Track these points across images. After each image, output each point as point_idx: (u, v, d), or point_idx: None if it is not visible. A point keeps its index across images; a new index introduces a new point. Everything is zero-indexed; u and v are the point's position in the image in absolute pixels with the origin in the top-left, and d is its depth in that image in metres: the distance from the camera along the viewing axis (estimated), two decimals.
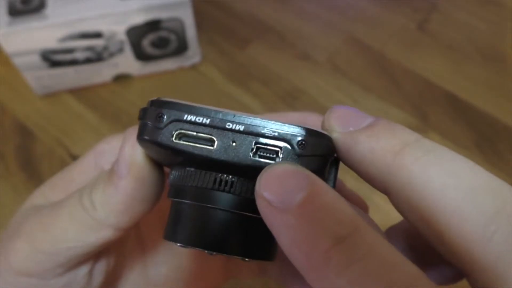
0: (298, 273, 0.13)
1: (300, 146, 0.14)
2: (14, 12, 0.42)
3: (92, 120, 0.46)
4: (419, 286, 0.11)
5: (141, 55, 0.47)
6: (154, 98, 0.16)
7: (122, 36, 0.44)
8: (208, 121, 0.15)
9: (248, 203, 0.15)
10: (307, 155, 0.15)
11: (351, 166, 0.16)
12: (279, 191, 0.13)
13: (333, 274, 0.12)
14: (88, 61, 0.46)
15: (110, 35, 0.44)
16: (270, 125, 0.15)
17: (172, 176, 0.17)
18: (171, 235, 0.17)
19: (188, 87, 0.49)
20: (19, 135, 0.46)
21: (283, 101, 0.47)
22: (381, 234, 0.17)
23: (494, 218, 0.12)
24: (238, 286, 0.35)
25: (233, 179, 0.15)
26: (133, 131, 0.17)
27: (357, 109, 0.16)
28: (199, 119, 0.15)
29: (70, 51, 0.45)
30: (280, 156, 0.14)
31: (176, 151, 0.15)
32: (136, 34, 0.45)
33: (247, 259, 0.16)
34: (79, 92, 0.48)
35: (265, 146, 0.15)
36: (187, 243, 0.16)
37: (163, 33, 0.45)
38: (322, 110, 0.48)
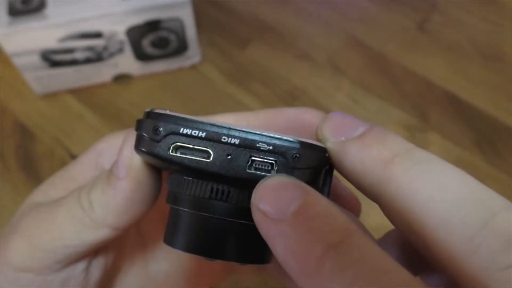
0: None
1: (294, 159, 0.15)
2: (14, 12, 0.42)
3: (92, 120, 0.46)
4: None
5: (141, 55, 0.47)
6: (149, 109, 0.16)
7: (122, 36, 0.44)
8: (203, 135, 0.15)
9: (244, 211, 0.16)
10: (302, 167, 0.15)
11: (344, 175, 0.16)
12: (274, 203, 0.13)
13: (326, 280, 0.12)
14: (88, 61, 0.46)
15: (110, 35, 0.44)
16: (265, 139, 0.15)
17: (170, 182, 0.17)
18: (170, 240, 0.17)
19: (188, 87, 0.49)
20: (19, 135, 0.46)
21: (283, 101, 0.47)
22: (373, 240, 0.17)
23: (480, 231, 0.12)
24: (238, 286, 0.35)
25: (229, 189, 0.16)
26: (133, 134, 0.17)
27: (351, 116, 0.16)
28: (195, 133, 0.15)
29: (70, 51, 0.45)
30: (275, 168, 0.15)
31: (172, 163, 0.15)
32: (136, 34, 0.45)
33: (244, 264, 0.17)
34: (79, 92, 0.48)
35: (260, 159, 0.15)
36: (185, 249, 0.17)
37: (163, 33, 0.45)
38: (322, 110, 0.48)
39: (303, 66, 0.50)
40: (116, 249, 0.22)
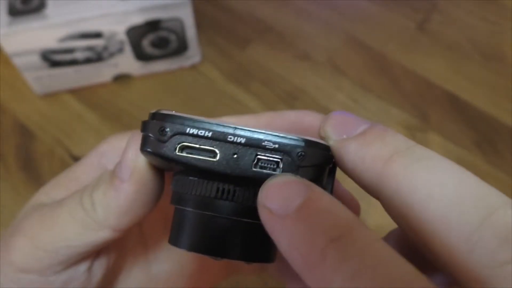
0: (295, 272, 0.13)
1: (299, 158, 0.15)
2: (14, 12, 0.42)
3: (92, 120, 0.46)
4: (416, 285, 0.12)
5: (141, 55, 0.47)
6: (154, 110, 0.16)
7: (122, 36, 0.44)
8: (210, 134, 0.15)
9: (249, 210, 0.16)
10: (306, 165, 0.15)
11: (346, 172, 0.16)
12: (280, 200, 0.14)
13: (329, 271, 0.12)
14: (88, 61, 0.46)
15: (110, 35, 0.44)
16: (271, 137, 0.15)
17: (175, 183, 0.17)
18: (175, 241, 0.17)
19: (188, 87, 0.49)
20: (19, 135, 0.46)
21: (283, 101, 0.47)
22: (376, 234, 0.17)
23: (478, 228, 0.12)
24: (238, 286, 0.35)
25: (235, 188, 0.16)
26: (137, 136, 0.17)
27: (353, 114, 0.16)
28: (201, 132, 0.15)
29: (70, 51, 0.45)
30: (280, 166, 0.15)
31: (179, 163, 0.16)
32: (136, 34, 0.45)
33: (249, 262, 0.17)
34: (79, 92, 0.48)
35: (266, 158, 0.15)
36: (191, 249, 0.17)
37: (163, 33, 0.45)
38: (322, 110, 0.48)
39: (303, 66, 0.50)
40: (118, 249, 0.22)
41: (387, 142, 0.14)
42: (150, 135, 0.16)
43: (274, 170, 0.15)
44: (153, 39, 0.46)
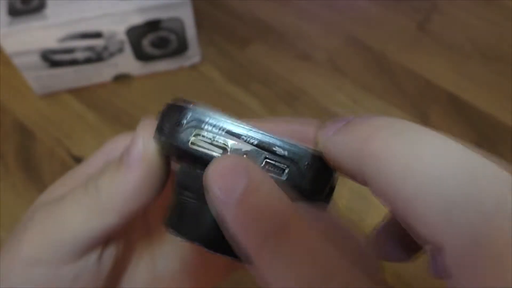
0: None
1: (305, 167, 0.16)
2: (14, 12, 0.42)
3: (92, 120, 0.46)
4: (341, 277, 0.12)
5: (141, 55, 0.47)
6: (171, 101, 0.17)
7: (122, 36, 0.44)
8: (224, 132, 0.16)
9: None
10: (311, 176, 0.16)
11: (339, 170, 0.16)
12: (222, 186, 0.14)
13: (265, 266, 0.13)
14: (88, 61, 0.46)
15: (110, 35, 0.44)
16: (283, 144, 0.16)
17: (180, 172, 0.18)
18: (171, 224, 0.18)
19: (188, 87, 0.49)
20: (19, 135, 0.46)
21: (283, 101, 0.47)
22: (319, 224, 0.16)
23: (455, 202, 0.11)
24: (238, 286, 0.35)
25: None
26: (149, 122, 0.17)
27: (344, 118, 0.16)
28: (216, 129, 0.16)
29: (70, 51, 0.45)
30: (286, 172, 0.16)
31: (190, 155, 0.16)
32: (136, 34, 0.45)
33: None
34: (79, 92, 0.48)
35: (273, 163, 0.16)
36: (187, 237, 0.17)
37: (163, 33, 0.45)
38: (322, 110, 0.49)
39: (303, 66, 0.50)
40: (124, 241, 0.22)
41: (369, 123, 0.14)
42: (166, 124, 0.16)
43: (279, 175, 0.16)
44: (153, 39, 0.46)
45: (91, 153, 0.22)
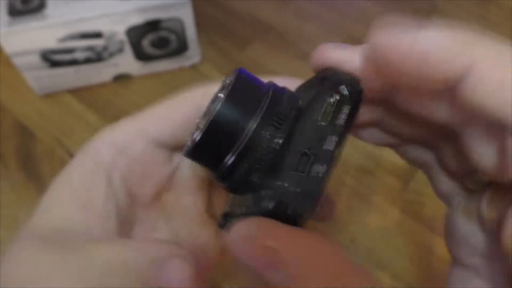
0: None
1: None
2: (14, 12, 0.42)
3: (92, 120, 0.46)
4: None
5: (141, 55, 0.47)
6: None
7: (122, 36, 0.44)
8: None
9: None
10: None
11: (404, 79, 0.15)
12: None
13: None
14: (88, 61, 0.46)
15: (110, 35, 0.44)
16: None
17: None
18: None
19: (188, 87, 0.49)
20: (19, 135, 0.46)
21: None
22: None
23: None
24: (238, 286, 0.35)
25: None
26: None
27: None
28: None
29: (70, 51, 0.45)
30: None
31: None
32: (136, 34, 0.45)
33: None
34: (79, 92, 0.48)
35: None
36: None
37: (163, 33, 0.45)
38: None
39: (303, 66, 0.50)
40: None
41: (457, 30, 0.14)
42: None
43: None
44: (153, 39, 0.46)
45: None
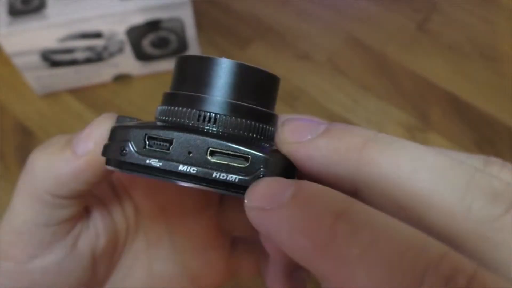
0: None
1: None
2: (14, 12, 0.42)
3: (92, 120, 0.46)
4: (431, 249, 0.12)
5: (141, 55, 0.47)
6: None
7: (122, 36, 0.44)
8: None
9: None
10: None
11: (315, 174, 0.16)
12: (268, 195, 0.14)
13: (343, 246, 0.12)
14: (88, 61, 0.46)
15: (110, 35, 0.44)
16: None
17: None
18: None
19: None
20: (19, 135, 0.46)
21: (283, 101, 0.47)
22: None
23: (467, 190, 0.13)
24: (238, 286, 0.36)
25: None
26: (108, 116, 0.18)
27: (308, 118, 0.17)
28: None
29: (70, 51, 0.45)
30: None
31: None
32: (136, 34, 0.45)
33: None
34: (79, 92, 0.48)
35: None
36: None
37: (163, 33, 0.45)
38: (322, 110, 0.48)
39: (303, 66, 0.50)
40: (108, 234, 0.22)
41: (355, 133, 0.15)
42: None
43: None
44: (153, 39, 0.46)
45: None
